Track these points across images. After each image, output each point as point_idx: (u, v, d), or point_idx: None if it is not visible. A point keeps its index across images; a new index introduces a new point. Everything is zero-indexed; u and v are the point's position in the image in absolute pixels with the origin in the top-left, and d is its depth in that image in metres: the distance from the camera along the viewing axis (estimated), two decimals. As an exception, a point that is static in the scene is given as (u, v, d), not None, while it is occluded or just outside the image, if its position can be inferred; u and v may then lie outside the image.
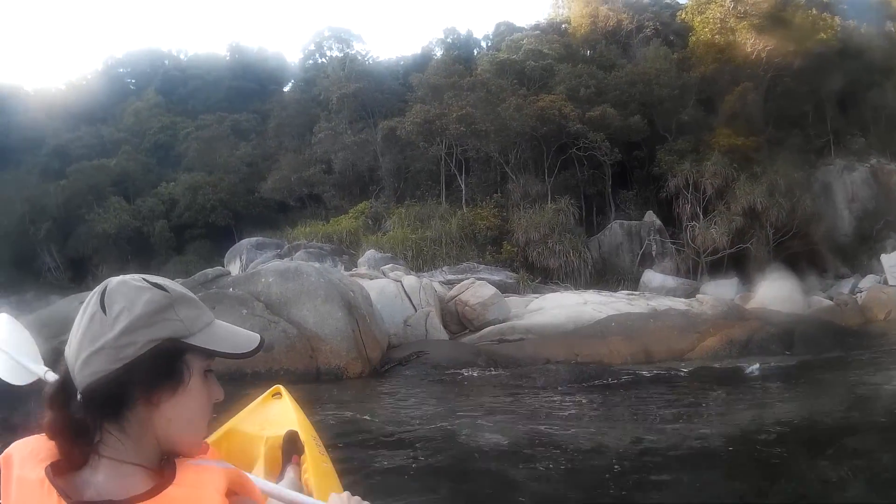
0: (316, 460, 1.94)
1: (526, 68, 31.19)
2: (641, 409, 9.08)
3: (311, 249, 24.67)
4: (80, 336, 1.10)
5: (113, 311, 1.10)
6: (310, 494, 1.70)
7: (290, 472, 1.84)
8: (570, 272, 24.91)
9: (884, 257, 22.38)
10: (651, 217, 27.27)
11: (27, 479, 1.07)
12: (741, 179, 26.31)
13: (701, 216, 26.52)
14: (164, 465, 1.13)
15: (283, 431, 2.07)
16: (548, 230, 25.34)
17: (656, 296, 20.06)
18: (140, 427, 1.10)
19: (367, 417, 8.77)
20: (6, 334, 1.98)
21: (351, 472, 5.84)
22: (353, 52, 42.62)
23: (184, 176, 38.28)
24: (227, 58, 53.03)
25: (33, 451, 1.11)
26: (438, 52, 43.24)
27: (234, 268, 23.70)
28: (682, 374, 12.02)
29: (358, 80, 35.93)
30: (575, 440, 7.27)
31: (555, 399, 9.99)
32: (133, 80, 53.53)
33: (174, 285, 1.20)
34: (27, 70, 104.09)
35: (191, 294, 1.21)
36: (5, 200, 35.90)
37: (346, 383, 12.18)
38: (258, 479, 1.44)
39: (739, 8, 30.59)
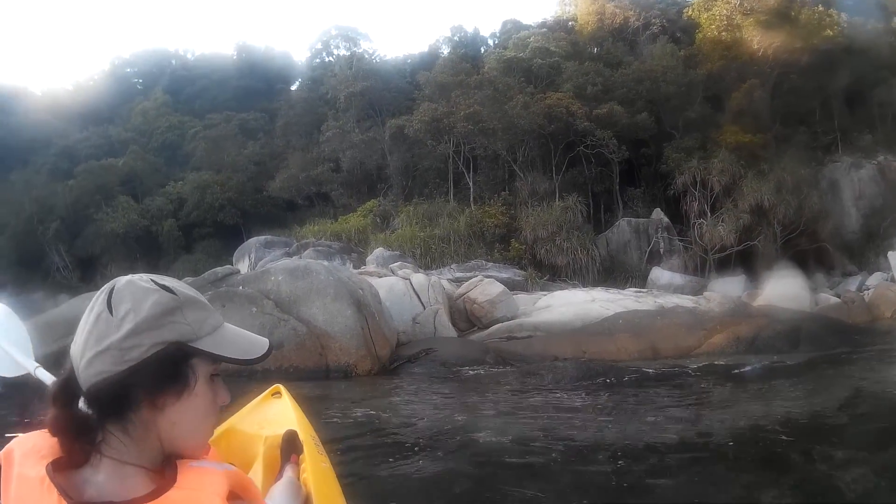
0: (315, 460, 1.94)
1: (533, 66, 31.25)
2: (648, 405, 9.10)
3: (319, 248, 24.72)
4: (86, 335, 1.09)
5: (119, 312, 1.09)
6: (308, 494, 1.75)
7: (288, 472, 1.84)
8: (578, 269, 24.97)
9: (891, 254, 22.26)
10: (659, 214, 27.27)
11: (27, 476, 1.06)
12: (748, 177, 26.32)
13: (708, 213, 26.55)
14: (165, 467, 1.12)
15: (282, 431, 2.05)
16: (556, 228, 25.42)
17: (664, 293, 20.10)
18: (143, 429, 1.09)
19: (376, 414, 8.79)
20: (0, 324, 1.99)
21: (359, 469, 5.90)
22: (360, 50, 42.72)
23: (192, 175, 38.46)
24: (235, 57, 53.20)
25: (35, 447, 1.10)
26: (445, 51, 43.25)
27: (243, 266, 23.76)
28: (688, 371, 12.01)
29: (365, 79, 36.04)
30: (582, 436, 7.30)
31: (562, 396, 10.01)
32: (140, 80, 53.74)
33: (183, 287, 1.18)
34: (34, 71, 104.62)
35: (199, 296, 1.19)
36: (14, 201, 36.17)
37: (356, 381, 12.21)
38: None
39: (745, 4, 30.58)
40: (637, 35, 36.56)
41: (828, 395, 9.18)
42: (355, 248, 26.15)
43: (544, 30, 38.66)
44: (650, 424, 7.73)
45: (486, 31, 50.82)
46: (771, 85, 29.73)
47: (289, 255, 23.79)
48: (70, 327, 1.12)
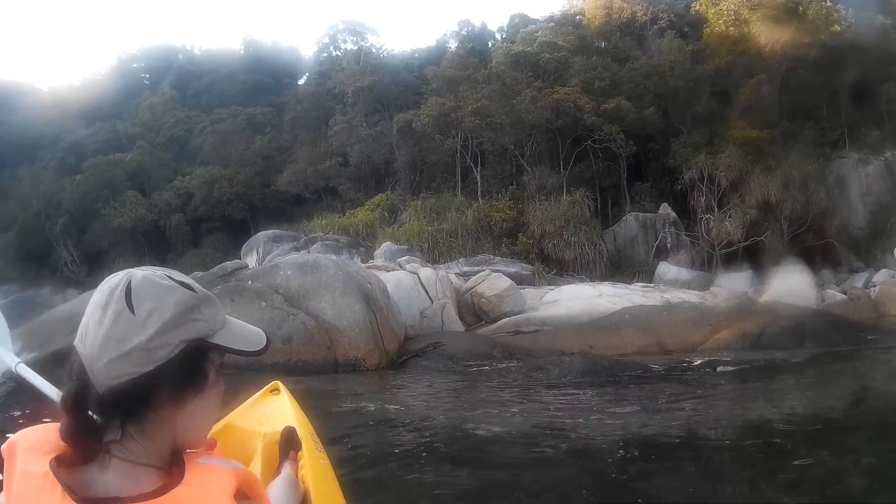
0: (313, 457, 1.95)
1: (540, 60, 31.26)
2: (653, 400, 9.15)
3: (327, 242, 24.83)
4: (104, 336, 1.05)
5: (142, 312, 1.06)
6: (307, 490, 1.78)
7: (286, 468, 1.83)
8: (586, 264, 25.04)
9: (897, 251, 22.31)
10: (666, 209, 27.30)
11: (30, 472, 1.04)
12: (756, 172, 26.29)
13: (715, 209, 26.53)
14: (173, 463, 1.11)
15: (280, 427, 2.05)
16: (563, 222, 25.49)
17: (671, 288, 20.14)
18: (160, 427, 1.08)
19: (383, 408, 8.83)
20: None
21: (367, 462, 6.01)
22: (367, 44, 42.82)
23: (199, 169, 38.59)
24: (242, 52, 53.21)
25: (38, 441, 1.09)
26: (453, 45, 43.32)
27: (251, 261, 23.86)
28: (694, 366, 12.05)
29: (373, 73, 36.06)
30: (587, 431, 7.36)
31: (569, 390, 10.07)
32: (147, 76, 53.87)
33: (196, 283, 1.18)
34: (41, 68, 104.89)
35: (209, 292, 1.19)
36: (22, 197, 36.45)
37: (364, 374, 12.28)
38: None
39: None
40: (644, 30, 36.50)
41: (833, 392, 9.20)
42: (363, 243, 26.24)
43: (552, 24, 38.72)
44: (655, 420, 7.78)
45: (493, 26, 50.78)
46: (778, 80, 29.66)
47: (297, 249, 23.89)
48: (76, 324, 1.12)
